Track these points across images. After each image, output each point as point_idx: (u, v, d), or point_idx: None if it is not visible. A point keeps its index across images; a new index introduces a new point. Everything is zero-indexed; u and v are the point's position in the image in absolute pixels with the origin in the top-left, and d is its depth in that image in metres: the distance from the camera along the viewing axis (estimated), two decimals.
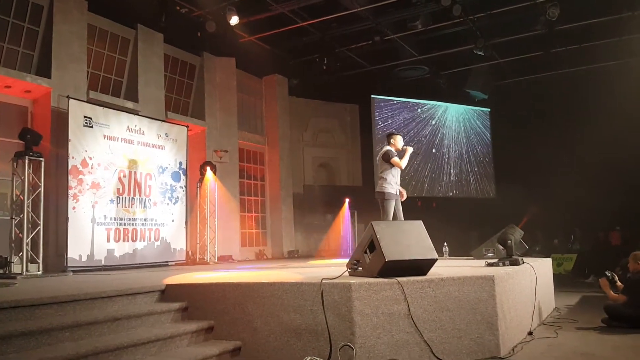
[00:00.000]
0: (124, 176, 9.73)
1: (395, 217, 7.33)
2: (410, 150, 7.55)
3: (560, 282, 9.71)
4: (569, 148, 13.27)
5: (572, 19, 11.22)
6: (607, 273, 6.28)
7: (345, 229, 14.62)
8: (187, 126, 11.44)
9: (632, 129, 11.98)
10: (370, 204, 14.13)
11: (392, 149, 7.47)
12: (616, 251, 11.16)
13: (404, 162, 7.36)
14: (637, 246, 9.44)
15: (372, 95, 15.37)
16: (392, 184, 7.34)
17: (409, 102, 15.78)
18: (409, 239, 4.82)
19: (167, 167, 10.67)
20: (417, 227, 5.02)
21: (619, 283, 6.26)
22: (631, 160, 12.53)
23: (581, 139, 12.91)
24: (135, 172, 9.95)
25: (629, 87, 11.87)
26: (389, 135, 7.70)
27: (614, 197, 12.47)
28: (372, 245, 4.71)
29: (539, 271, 6.24)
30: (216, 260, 11.24)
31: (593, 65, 13.19)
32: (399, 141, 7.60)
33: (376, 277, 4.51)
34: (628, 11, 11.00)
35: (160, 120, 10.85)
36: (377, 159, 7.65)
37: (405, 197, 7.52)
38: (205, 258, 11.18)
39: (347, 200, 14.57)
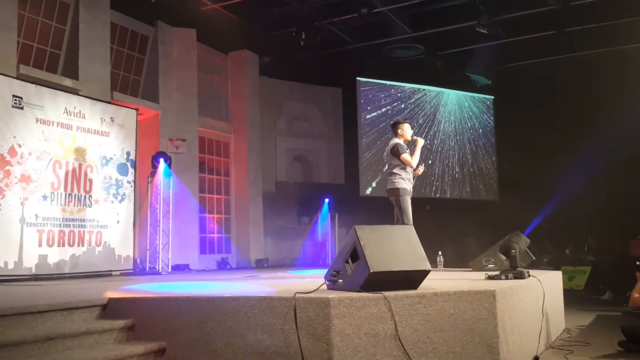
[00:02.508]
0: (60, 168, 9.60)
1: (398, 220, 7.29)
2: (421, 142, 7.44)
3: (572, 298, 9.86)
4: (584, 143, 13.44)
5: None
6: None
7: (323, 235, 14.66)
8: (136, 109, 11.34)
9: None
10: (353, 205, 14.35)
11: (401, 142, 7.40)
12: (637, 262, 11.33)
13: (415, 160, 7.29)
14: None
15: (358, 78, 15.40)
16: (406, 179, 7.25)
17: (400, 87, 15.85)
18: (397, 246, 4.84)
19: (112, 158, 10.55)
20: (408, 234, 5.05)
21: None
22: None
23: (598, 133, 13.07)
24: (73, 164, 9.83)
25: None
26: (395, 125, 7.58)
27: (635, 201, 12.68)
28: (355, 254, 4.72)
29: (547, 286, 6.32)
30: (170, 270, 11.18)
31: (613, 47, 13.38)
32: (407, 130, 7.49)
33: (359, 291, 4.52)
34: None
35: (104, 101, 10.72)
36: (385, 154, 7.57)
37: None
38: (157, 267, 11.10)
39: (326, 200, 14.60)
